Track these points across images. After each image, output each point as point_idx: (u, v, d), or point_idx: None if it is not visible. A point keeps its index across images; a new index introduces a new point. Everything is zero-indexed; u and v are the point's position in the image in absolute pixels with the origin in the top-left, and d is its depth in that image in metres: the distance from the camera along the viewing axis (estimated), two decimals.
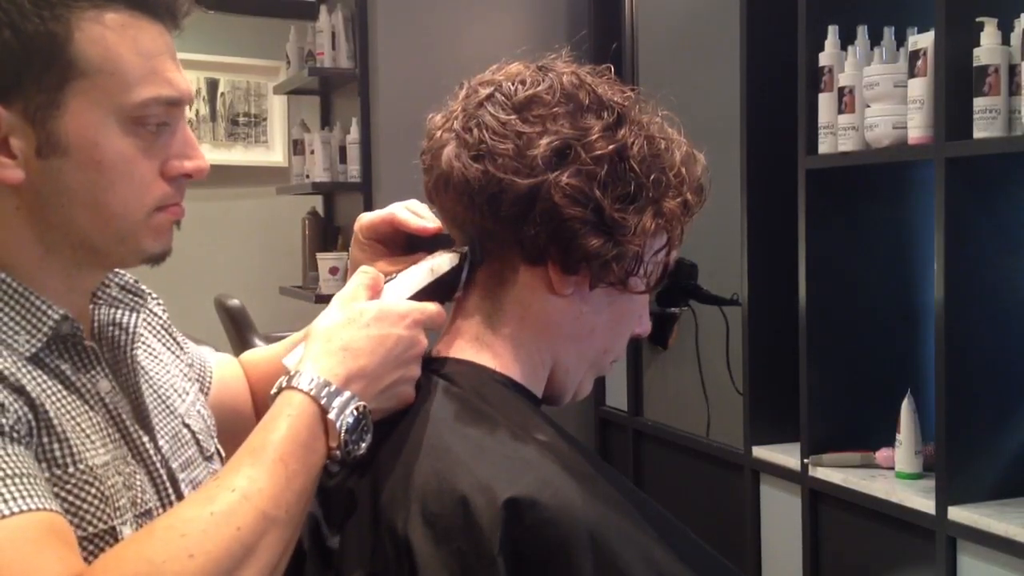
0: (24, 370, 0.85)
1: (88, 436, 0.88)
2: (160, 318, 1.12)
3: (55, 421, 0.85)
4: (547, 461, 0.87)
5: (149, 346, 1.06)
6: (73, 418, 0.88)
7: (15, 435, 0.81)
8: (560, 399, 1.03)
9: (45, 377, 0.87)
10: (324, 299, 3.21)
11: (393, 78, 3.23)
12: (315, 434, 0.85)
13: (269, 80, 4.31)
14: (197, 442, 1.04)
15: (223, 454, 1.09)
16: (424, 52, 3.21)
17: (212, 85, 4.34)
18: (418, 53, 3.21)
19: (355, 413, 0.86)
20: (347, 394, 0.86)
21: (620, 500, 0.88)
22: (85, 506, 0.86)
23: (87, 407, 0.90)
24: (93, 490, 0.86)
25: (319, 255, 3.51)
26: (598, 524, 0.84)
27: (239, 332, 3.19)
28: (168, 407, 1.01)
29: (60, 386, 0.89)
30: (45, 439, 0.84)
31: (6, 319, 0.87)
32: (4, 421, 0.81)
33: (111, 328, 0.98)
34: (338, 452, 0.86)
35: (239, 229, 4.33)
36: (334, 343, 0.88)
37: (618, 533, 0.84)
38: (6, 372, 0.83)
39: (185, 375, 1.10)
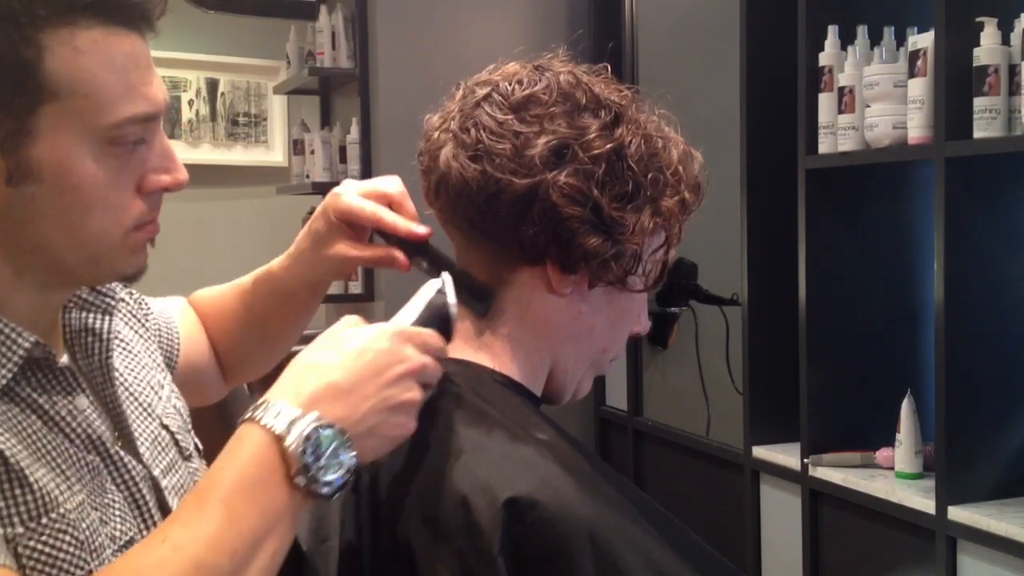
0: None
1: (63, 472, 0.85)
2: (128, 303, 1.08)
3: (27, 471, 0.82)
4: (547, 461, 0.87)
5: (123, 340, 1.03)
6: (47, 453, 0.85)
7: None
8: (559, 398, 1.03)
9: (17, 411, 0.84)
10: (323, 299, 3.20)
11: (393, 78, 3.23)
12: (270, 467, 0.78)
13: (269, 80, 4.31)
14: (176, 443, 1.01)
15: (201, 448, 1.07)
16: (424, 52, 3.20)
17: (212, 85, 4.34)
18: (418, 53, 3.21)
19: (316, 436, 0.78)
20: (309, 417, 0.78)
21: (620, 499, 0.89)
22: (62, 555, 0.83)
23: (63, 438, 0.87)
24: (68, 537, 0.83)
25: None
26: (598, 524, 0.84)
27: None
28: (146, 410, 0.99)
29: (34, 418, 0.85)
30: (18, 491, 0.81)
31: None
32: None
33: (84, 334, 0.95)
34: (301, 480, 0.78)
35: (239, 229, 4.32)
36: (298, 364, 0.83)
37: (618, 532, 0.84)
38: None
39: (157, 363, 1.07)
